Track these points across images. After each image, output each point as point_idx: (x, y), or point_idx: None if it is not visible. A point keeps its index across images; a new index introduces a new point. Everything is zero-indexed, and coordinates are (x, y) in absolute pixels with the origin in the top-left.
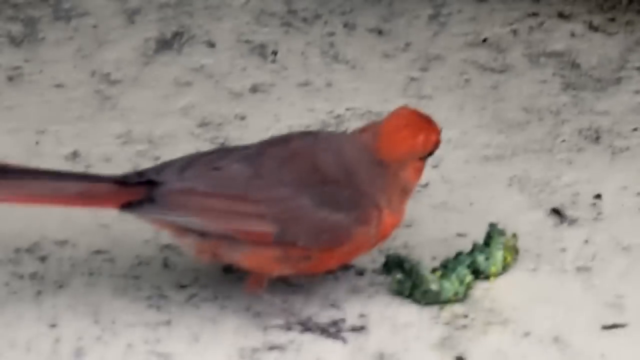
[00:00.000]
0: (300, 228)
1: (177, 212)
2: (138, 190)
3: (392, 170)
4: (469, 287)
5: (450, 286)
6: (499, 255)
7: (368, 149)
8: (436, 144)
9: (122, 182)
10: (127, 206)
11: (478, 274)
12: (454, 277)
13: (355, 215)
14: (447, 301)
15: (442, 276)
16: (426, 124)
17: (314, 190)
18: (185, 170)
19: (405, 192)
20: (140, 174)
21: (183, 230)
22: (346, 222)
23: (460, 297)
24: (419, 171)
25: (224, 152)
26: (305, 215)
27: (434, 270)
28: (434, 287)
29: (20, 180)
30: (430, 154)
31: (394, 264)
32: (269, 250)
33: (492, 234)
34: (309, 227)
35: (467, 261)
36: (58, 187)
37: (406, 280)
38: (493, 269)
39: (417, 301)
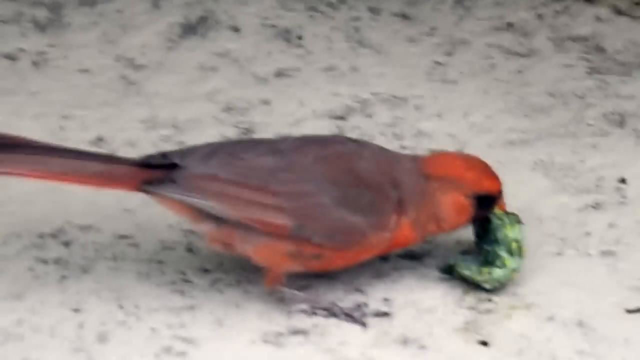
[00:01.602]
0: (316, 225)
1: (197, 195)
2: (160, 172)
3: (432, 189)
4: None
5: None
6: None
7: (417, 162)
8: (487, 191)
9: (144, 164)
10: (147, 184)
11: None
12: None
13: (373, 219)
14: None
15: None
16: (486, 169)
17: (338, 190)
18: (210, 158)
19: (436, 220)
20: (163, 155)
21: (199, 216)
22: (362, 225)
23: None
24: (459, 209)
25: (250, 144)
26: (323, 213)
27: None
28: (513, 264)
29: (41, 157)
30: (480, 200)
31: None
32: (282, 244)
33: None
34: (325, 225)
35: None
36: (79, 166)
37: (476, 268)
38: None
39: (488, 288)
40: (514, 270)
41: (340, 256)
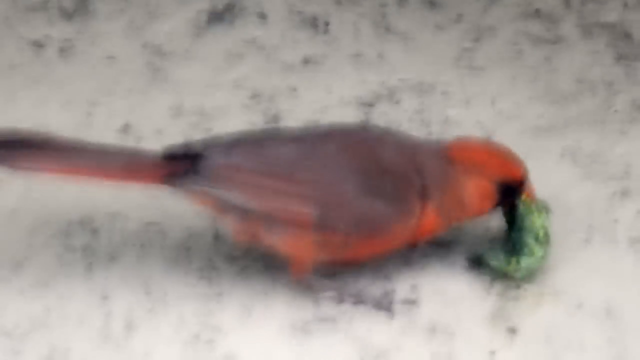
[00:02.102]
0: (341, 214)
1: (221, 186)
2: (183, 164)
3: (456, 173)
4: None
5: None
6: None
7: (442, 147)
8: (512, 178)
9: (167, 157)
10: (171, 177)
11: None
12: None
13: (398, 207)
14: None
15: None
16: (511, 156)
17: (362, 178)
18: (233, 148)
19: (460, 206)
20: (187, 146)
21: (224, 207)
22: (387, 213)
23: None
24: (483, 194)
25: (273, 133)
26: (347, 201)
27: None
28: (540, 252)
29: (66, 154)
30: (504, 189)
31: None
32: (307, 234)
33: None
34: (349, 214)
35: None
36: (103, 161)
37: (502, 258)
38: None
39: (516, 277)
40: (542, 257)
41: (366, 245)
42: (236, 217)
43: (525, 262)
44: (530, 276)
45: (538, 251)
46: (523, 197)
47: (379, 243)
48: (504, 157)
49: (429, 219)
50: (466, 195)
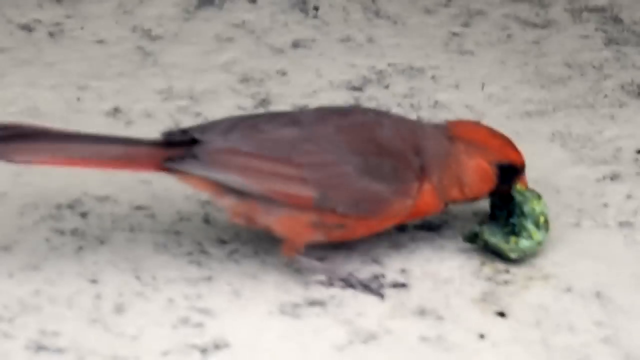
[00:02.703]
0: (340, 195)
1: (219, 170)
2: (179, 149)
3: (457, 151)
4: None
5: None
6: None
7: (442, 127)
8: (511, 161)
9: (163, 143)
10: (168, 162)
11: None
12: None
13: (396, 186)
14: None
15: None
16: (510, 141)
17: (360, 159)
18: (230, 131)
19: (459, 185)
20: (183, 132)
21: (221, 190)
22: (386, 193)
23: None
24: (483, 175)
25: (270, 116)
26: (346, 182)
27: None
28: (539, 237)
29: (61, 144)
30: (503, 172)
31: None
32: (305, 215)
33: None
34: (349, 195)
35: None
36: (99, 150)
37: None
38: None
39: (513, 258)
40: (539, 243)
41: (364, 225)
42: (234, 200)
43: (524, 244)
44: (523, 259)
45: (537, 236)
46: (518, 185)
47: (377, 223)
48: (505, 140)
49: (426, 199)
50: (466, 174)
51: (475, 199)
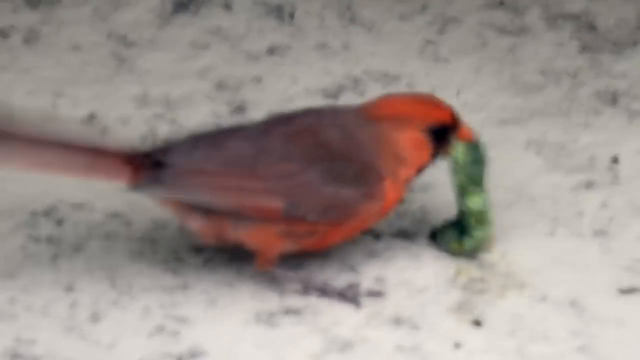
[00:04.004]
0: (308, 203)
1: (186, 190)
2: (145, 165)
3: (385, 131)
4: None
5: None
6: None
7: (363, 110)
8: (440, 121)
9: (130, 156)
10: (136, 186)
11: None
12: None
13: (363, 190)
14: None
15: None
16: (434, 101)
17: (322, 166)
18: (193, 151)
19: (402, 162)
20: (146, 155)
21: (189, 211)
22: (354, 197)
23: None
24: (417, 144)
25: (229, 132)
26: (313, 190)
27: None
28: (480, 233)
29: (30, 148)
30: (436, 133)
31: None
32: (275, 225)
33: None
34: (317, 202)
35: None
36: (67, 157)
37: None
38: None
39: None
40: (483, 238)
41: (334, 231)
42: (202, 220)
43: (468, 243)
44: (477, 253)
45: (477, 233)
46: (457, 140)
47: (348, 228)
48: (428, 103)
49: (391, 194)
50: (401, 149)
51: (420, 169)
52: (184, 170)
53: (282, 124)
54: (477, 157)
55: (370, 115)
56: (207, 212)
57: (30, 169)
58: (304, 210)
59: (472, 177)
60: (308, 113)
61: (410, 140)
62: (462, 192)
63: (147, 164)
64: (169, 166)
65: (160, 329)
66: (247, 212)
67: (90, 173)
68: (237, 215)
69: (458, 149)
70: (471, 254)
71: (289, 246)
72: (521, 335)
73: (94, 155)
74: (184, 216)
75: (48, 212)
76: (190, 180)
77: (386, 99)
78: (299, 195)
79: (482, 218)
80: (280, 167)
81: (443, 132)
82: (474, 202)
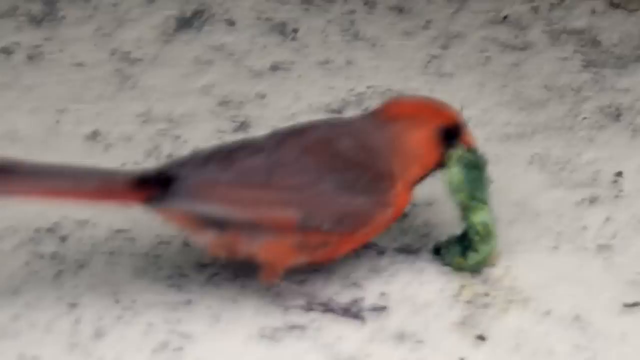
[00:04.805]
0: (323, 213)
1: (202, 203)
2: (157, 185)
3: (397, 132)
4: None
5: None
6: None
7: (375, 115)
8: (448, 122)
9: (141, 178)
10: (149, 200)
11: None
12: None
13: (376, 198)
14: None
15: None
16: (441, 104)
17: (335, 175)
18: (206, 164)
19: (412, 159)
20: (160, 170)
21: (202, 225)
22: (367, 205)
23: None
24: (427, 144)
25: (239, 145)
26: (328, 200)
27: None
28: (484, 248)
29: (38, 176)
30: (444, 134)
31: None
32: (289, 237)
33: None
34: (332, 212)
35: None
36: (76, 183)
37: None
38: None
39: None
40: (487, 252)
41: (348, 240)
42: (215, 233)
43: (473, 258)
44: (481, 268)
45: (481, 248)
46: (460, 147)
47: (360, 236)
48: (435, 104)
49: (401, 198)
50: (415, 149)
51: (429, 170)
52: (198, 183)
53: (295, 135)
54: (476, 176)
55: (384, 117)
56: (221, 224)
57: (42, 199)
58: (319, 221)
59: (472, 194)
60: (319, 124)
61: (423, 138)
62: (465, 208)
63: (158, 181)
64: (182, 179)
65: (164, 345)
66: (263, 223)
67: (102, 197)
68: (251, 228)
69: (452, 170)
70: (475, 269)
71: (301, 258)
72: (525, 350)
73: (103, 178)
74: (195, 229)
75: (52, 229)
76: (204, 192)
77: (396, 101)
78: (314, 206)
79: (486, 232)
80: (295, 178)
81: (450, 134)
82: (477, 217)
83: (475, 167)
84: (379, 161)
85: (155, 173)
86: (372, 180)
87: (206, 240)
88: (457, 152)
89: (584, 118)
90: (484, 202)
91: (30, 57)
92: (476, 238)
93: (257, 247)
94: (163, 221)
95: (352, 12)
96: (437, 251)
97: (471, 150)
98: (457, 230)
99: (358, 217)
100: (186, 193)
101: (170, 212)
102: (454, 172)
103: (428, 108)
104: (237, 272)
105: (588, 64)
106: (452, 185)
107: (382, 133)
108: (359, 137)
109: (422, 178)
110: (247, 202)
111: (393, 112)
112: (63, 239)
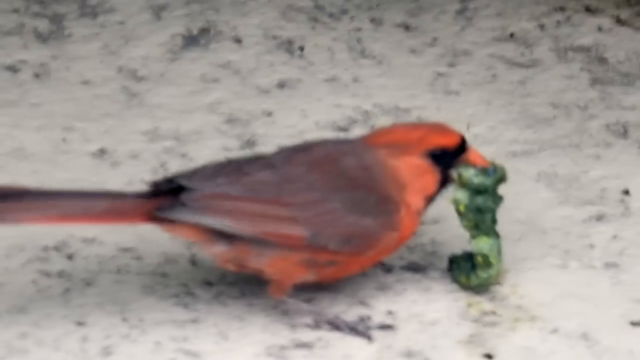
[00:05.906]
0: (331, 232)
1: (211, 215)
2: (166, 199)
3: (382, 157)
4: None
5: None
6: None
7: (363, 140)
8: (438, 145)
9: (148, 194)
10: (158, 211)
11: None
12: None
13: (382, 220)
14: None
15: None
16: (436, 126)
17: (343, 195)
18: (216, 177)
19: (402, 187)
20: (169, 180)
21: (211, 237)
22: (374, 227)
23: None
24: (417, 170)
25: (249, 160)
26: (336, 219)
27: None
28: (484, 274)
29: (49, 202)
30: (438, 158)
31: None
32: (297, 254)
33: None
34: (339, 231)
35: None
36: (87, 206)
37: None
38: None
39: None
40: (488, 278)
41: (355, 261)
42: (224, 246)
43: (473, 280)
44: (482, 289)
45: (482, 273)
46: (467, 167)
47: (367, 258)
48: (427, 129)
49: (407, 224)
50: (402, 177)
51: (429, 195)
52: (208, 194)
53: (300, 153)
54: (482, 202)
55: (369, 143)
56: (230, 238)
57: (51, 222)
58: (327, 239)
59: (476, 224)
60: (325, 142)
61: (409, 166)
62: (470, 232)
63: (167, 192)
64: (193, 190)
65: None
66: (271, 239)
67: (113, 218)
68: (260, 243)
69: (458, 196)
70: (479, 289)
71: (308, 276)
72: None
73: (112, 198)
74: (206, 243)
75: (59, 247)
76: (214, 204)
77: (386, 127)
78: (322, 223)
79: (485, 262)
80: (304, 196)
81: (449, 158)
82: (479, 245)
83: (483, 191)
84: (379, 185)
85: (165, 182)
86: (378, 203)
87: (216, 253)
88: (465, 174)
89: (591, 135)
90: (487, 232)
91: (37, 75)
92: (477, 263)
93: (266, 263)
94: (172, 235)
95: (359, 29)
96: (451, 265)
97: (481, 170)
98: (467, 247)
99: (365, 239)
100: (195, 205)
101: (178, 225)
102: (459, 196)
103: (414, 134)
104: (244, 290)
105: (595, 81)
106: (457, 209)
107: (374, 159)
108: (359, 158)
109: (427, 202)
110: (256, 216)
111: (380, 138)
112: (70, 257)
